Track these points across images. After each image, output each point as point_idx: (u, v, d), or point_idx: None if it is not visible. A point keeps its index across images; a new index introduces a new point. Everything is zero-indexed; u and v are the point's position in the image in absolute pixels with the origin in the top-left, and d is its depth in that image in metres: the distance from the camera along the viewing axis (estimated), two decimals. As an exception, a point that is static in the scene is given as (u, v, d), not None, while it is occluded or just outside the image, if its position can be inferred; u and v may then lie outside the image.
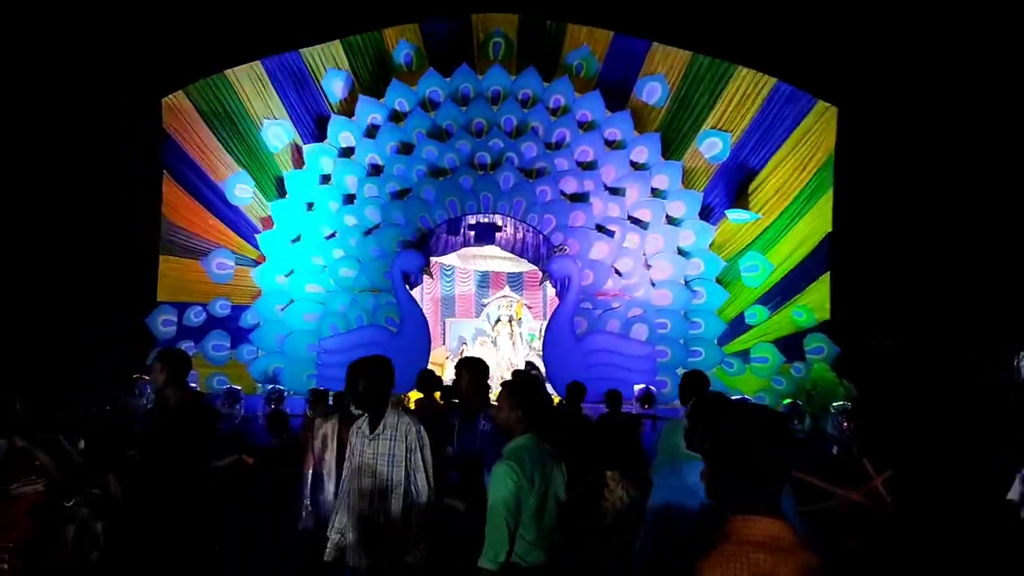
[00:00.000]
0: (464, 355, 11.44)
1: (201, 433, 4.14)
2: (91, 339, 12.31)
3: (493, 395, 7.12)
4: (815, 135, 13.44)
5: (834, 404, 10.99)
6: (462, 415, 4.70)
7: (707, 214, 13.75)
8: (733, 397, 10.64)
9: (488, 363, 4.71)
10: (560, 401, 8.25)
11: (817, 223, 13.43)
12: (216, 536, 4.22)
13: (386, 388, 3.85)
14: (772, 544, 1.76)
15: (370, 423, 3.84)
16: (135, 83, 13.64)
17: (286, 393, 11.62)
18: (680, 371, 12.05)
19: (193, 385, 10.94)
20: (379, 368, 3.85)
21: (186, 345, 12.36)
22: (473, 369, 4.58)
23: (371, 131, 13.86)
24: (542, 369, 12.02)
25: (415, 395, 7.84)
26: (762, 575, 1.73)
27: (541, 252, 13.54)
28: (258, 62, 13.67)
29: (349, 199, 13.78)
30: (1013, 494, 4.84)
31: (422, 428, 3.81)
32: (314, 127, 14.20)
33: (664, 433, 4.57)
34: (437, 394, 7.00)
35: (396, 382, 3.90)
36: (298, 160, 14.09)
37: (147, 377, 10.31)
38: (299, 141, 14.10)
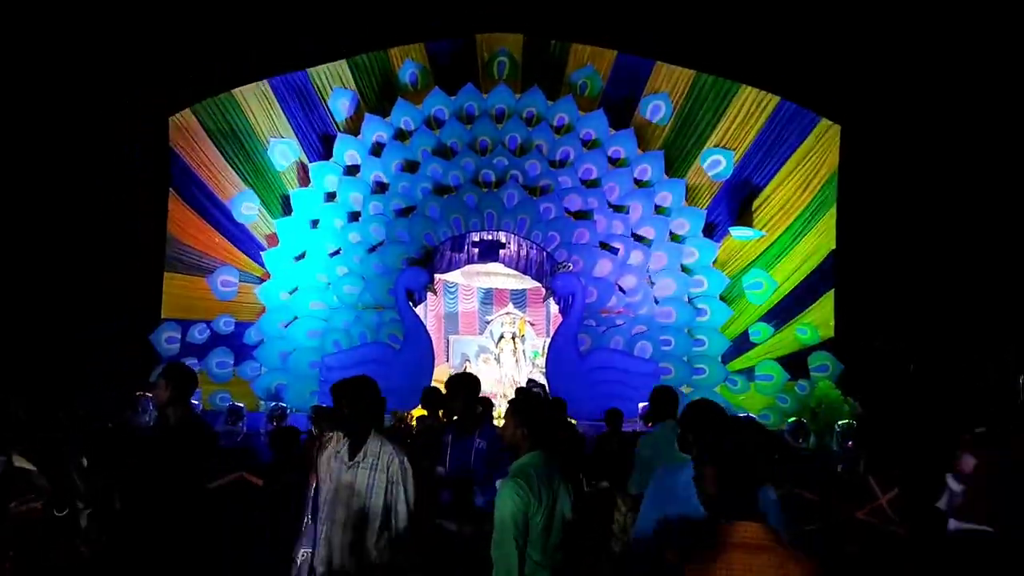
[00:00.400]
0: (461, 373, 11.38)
1: (198, 454, 4.09)
2: (91, 339, 12.28)
3: (497, 412, 7.10)
4: (818, 153, 13.50)
5: (839, 422, 10.93)
6: (455, 432, 4.66)
7: (711, 231, 13.78)
8: (738, 416, 10.65)
9: (490, 380, 4.70)
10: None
11: (821, 240, 13.46)
12: (216, 547, 4.18)
13: (369, 411, 3.57)
14: (750, 544, 1.92)
15: (350, 449, 3.55)
16: (138, 86, 13.71)
17: (289, 410, 11.60)
18: (685, 388, 12.02)
19: (195, 402, 10.93)
20: (362, 390, 3.56)
21: (190, 362, 12.34)
22: (464, 386, 4.55)
23: (376, 149, 13.94)
24: (545, 386, 11.96)
25: (418, 412, 7.82)
26: (737, 572, 1.91)
27: (545, 269, 13.54)
28: (265, 81, 13.81)
29: (354, 217, 13.83)
30: (942, 503, 4.57)
31: (405, 459, 3.54)
32: (320, 145, 14.29)
33: (644, 444, 4.52)
34: (441, 412, 6.96)
35: (399, 399, 3.80)
36: (304, 178, 14.17)
37: (150, 394, 10.31)
38: (305, 159, 14.19)
